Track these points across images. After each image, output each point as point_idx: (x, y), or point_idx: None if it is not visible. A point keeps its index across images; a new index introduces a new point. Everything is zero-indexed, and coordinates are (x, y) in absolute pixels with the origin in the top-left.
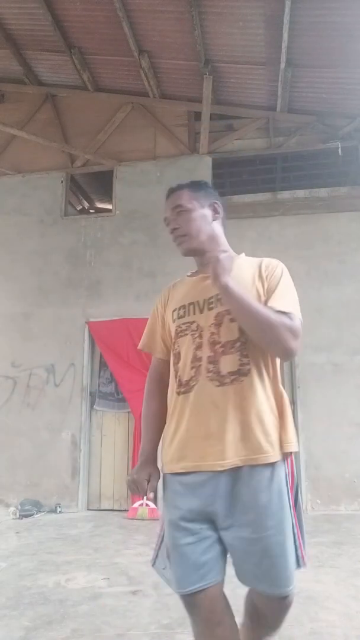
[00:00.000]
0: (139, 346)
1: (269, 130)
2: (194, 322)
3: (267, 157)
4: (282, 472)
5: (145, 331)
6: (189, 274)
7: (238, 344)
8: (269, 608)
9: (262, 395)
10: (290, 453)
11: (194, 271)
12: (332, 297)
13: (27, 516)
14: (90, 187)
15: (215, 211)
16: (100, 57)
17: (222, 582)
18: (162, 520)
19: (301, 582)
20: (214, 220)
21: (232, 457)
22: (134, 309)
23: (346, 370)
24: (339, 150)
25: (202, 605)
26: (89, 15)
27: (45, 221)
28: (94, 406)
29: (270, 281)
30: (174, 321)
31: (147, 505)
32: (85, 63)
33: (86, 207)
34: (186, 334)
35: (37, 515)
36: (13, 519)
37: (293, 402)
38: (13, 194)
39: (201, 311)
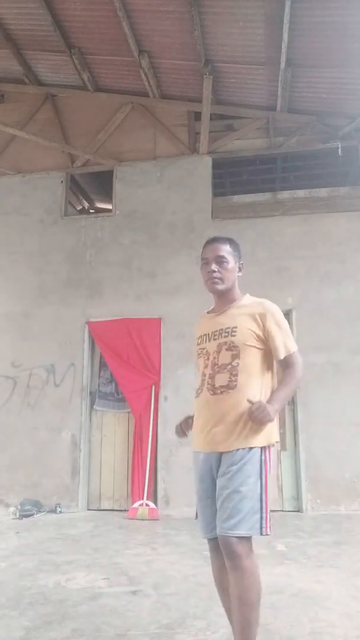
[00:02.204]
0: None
1: (269, 130)
2: (204, 348)
3: (267, 157)
4: (252, 456)
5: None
6: (208, 310)
7: (229, 367)
8: (229, 566)
9: (244, 404)
10: (264, 447)
11: (211, 308)
12: (332, 297)
13: (27, 516)
14: (90, 187)
15: (239, 269)
16: (100, 57)
17: None
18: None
19: (301, 582)
20: (237, 274)
21: (218, 444)
22: (134, 309)
23: (346, 370)
24: (339, 150)
25: (216, 548)
26: (89, 15)
27: (45, 221)
28: (94, 406)
29: (268, 323)
30: (197, 345)
31: (147, 505)
32: (85, 63)
33: (86, 207)
34: (201, 356)
35: (37, 515)
36: (13, 519)
37: (293, 402)
38: (13, 194)
39: (209, 340)
